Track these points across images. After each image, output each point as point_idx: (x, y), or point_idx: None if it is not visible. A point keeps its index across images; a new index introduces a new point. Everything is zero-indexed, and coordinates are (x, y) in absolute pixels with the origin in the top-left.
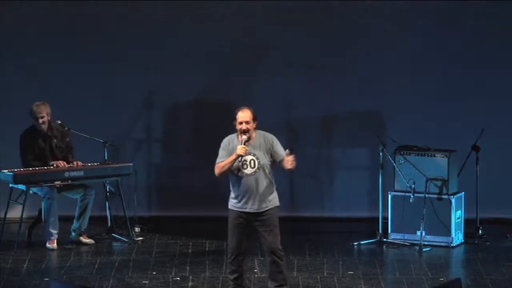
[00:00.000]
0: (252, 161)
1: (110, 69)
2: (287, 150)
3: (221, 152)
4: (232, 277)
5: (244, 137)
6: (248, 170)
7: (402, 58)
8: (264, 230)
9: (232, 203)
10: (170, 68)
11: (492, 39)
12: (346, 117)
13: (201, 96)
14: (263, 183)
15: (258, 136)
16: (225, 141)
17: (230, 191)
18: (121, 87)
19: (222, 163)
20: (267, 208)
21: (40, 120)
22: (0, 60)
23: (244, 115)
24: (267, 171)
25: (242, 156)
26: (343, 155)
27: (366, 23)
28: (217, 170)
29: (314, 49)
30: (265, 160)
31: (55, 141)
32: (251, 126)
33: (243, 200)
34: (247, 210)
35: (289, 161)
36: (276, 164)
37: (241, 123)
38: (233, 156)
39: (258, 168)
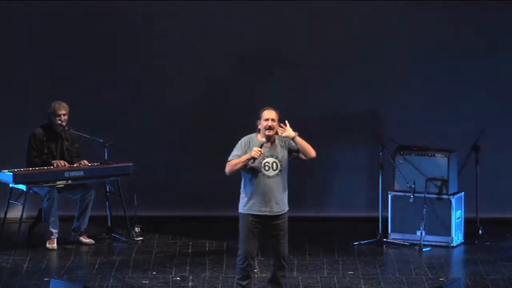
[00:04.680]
0: (274, 164)
1: (110, 69)
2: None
3: (235, 151)
4: (244, 283)
5: (263, 139)
6: (270, 172)
7: (402, 58)
8: (279, 234)
9: (247, 207)
10: (170, 68)
11: (492, 39)
12: (346, 117)
13: (202, 96)
14: (281, 186)
15: (278, 139)
16: (243, 141)
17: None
18: (121, 87)
19: (234, 161)
20: (283, 212)
21: (59, 118)
22: (3, 59)
23: (270, 112)
24: (285, 174)
25: (255, 158)
26: (343, 155)
27: (366, 23)
28: (228, 167)
29: (314, 49)
30: (286, 164)
31: (66, 143)
32: (276, 125)
33: (261, 203)
34: (265, 213)
35: (284, 128)
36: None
37: (267, 119)
38: (247, 156)
39: (280, 170)
